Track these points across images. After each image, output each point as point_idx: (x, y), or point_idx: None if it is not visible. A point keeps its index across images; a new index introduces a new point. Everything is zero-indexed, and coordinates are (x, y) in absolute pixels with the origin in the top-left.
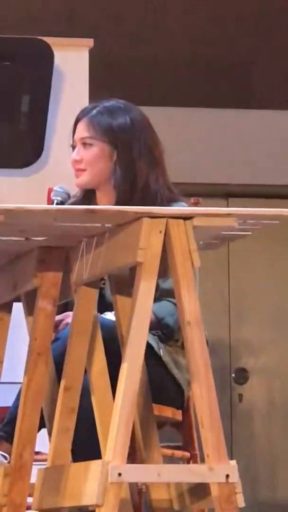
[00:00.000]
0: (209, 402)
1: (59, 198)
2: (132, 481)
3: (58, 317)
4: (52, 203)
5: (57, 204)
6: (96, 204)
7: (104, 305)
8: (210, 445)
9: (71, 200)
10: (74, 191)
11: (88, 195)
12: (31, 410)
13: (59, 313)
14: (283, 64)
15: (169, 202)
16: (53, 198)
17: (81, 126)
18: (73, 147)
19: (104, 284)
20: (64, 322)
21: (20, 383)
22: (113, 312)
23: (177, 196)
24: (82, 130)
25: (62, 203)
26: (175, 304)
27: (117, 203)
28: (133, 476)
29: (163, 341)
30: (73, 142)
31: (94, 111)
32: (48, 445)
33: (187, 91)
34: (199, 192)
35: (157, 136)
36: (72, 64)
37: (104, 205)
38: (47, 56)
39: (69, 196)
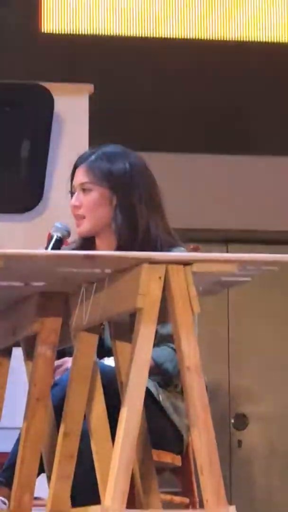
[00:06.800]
0: (208, 447)
1: (58, 234)
2: None
3: (57, 362)
4: (51, 239)
5: (56, 240)
6: (95, 250)
7: (103, 350)
8: (209, 491)
9: (71, 246)
10: (74, 229)
11: (87, 241)
12: (30, 456)
13: (57, 359)
14: (283, 110)
15: (168, 247)
16: (53, 233)
17: (80, 171)
18: (72, 193)
19: (103, 329)
20: (63, 367)
21: (19, 428)
22: (112, 358)
23: (177, 241)
24: (81, 176)
25: (61, 239)
26: (174, 349)
27: (118, 248)
28: None
29: (162, 387)
30: (71, 188)
31: (93, 157)
32: (47, 491)
33: (186, 137)
34: (198, 238)
35: (155, 181)
36: (72, 110)
37: (104, 250)
38: (47, 101)
39: (69, 233)
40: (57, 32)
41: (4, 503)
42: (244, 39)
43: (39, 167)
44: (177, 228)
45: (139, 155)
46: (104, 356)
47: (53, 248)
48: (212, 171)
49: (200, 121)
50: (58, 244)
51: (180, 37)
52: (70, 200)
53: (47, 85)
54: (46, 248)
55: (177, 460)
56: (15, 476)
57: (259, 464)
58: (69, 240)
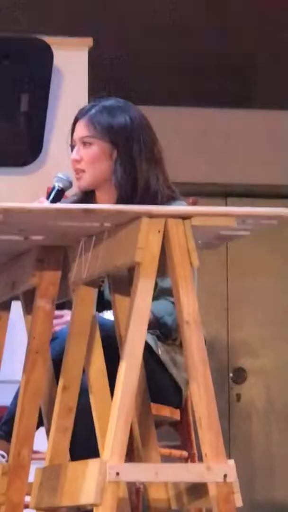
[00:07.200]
0: (207, 401)
1: (60, 185)
2: (130, 480)
3: (56, 313)
4: (53, 189)
5: (57, 190)
6: (96, 203)
7: (102, 304)
8: (208, 445)
9: (71, 199)
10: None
11: (88, 195)
12: (29, 409)
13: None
14: (283, 63)
15: (168, 201)
16: (55, 183)
17: (81, 125)
18: (72, 146)
19: (103, 282)
20: (63, 320)
21: (18, 381)
22: (111, 311)
23: (177, 195)
24: (82, 129)
25: (62, 190)
26: (173, 303)
27: (117, 202)
28: (131, 475)
29: (161, 340)
30: (72, 141)
31: (94, 110)
32: (46, 444)
33: (186, 91)
34: (198, 192)
35: (155, 135)
36: (71, 63)
37: (104, 204)
38: (47, 55)
39: (70, 184)
40: None
41: (3, 457)
42: None
43: (37, 120)
44: (176, 182)
45: (140, 109)
46: (104, 310)
47: (54, 198)
48: (212, 125)
49: (200, 74)
50: (59, 195)
51: None
52: (69, 154)
53: (47, 38)
54: (47, 198)
55: (175, 414)
56: (14, 429)
57: (258, 418)
58: (70, 193)
